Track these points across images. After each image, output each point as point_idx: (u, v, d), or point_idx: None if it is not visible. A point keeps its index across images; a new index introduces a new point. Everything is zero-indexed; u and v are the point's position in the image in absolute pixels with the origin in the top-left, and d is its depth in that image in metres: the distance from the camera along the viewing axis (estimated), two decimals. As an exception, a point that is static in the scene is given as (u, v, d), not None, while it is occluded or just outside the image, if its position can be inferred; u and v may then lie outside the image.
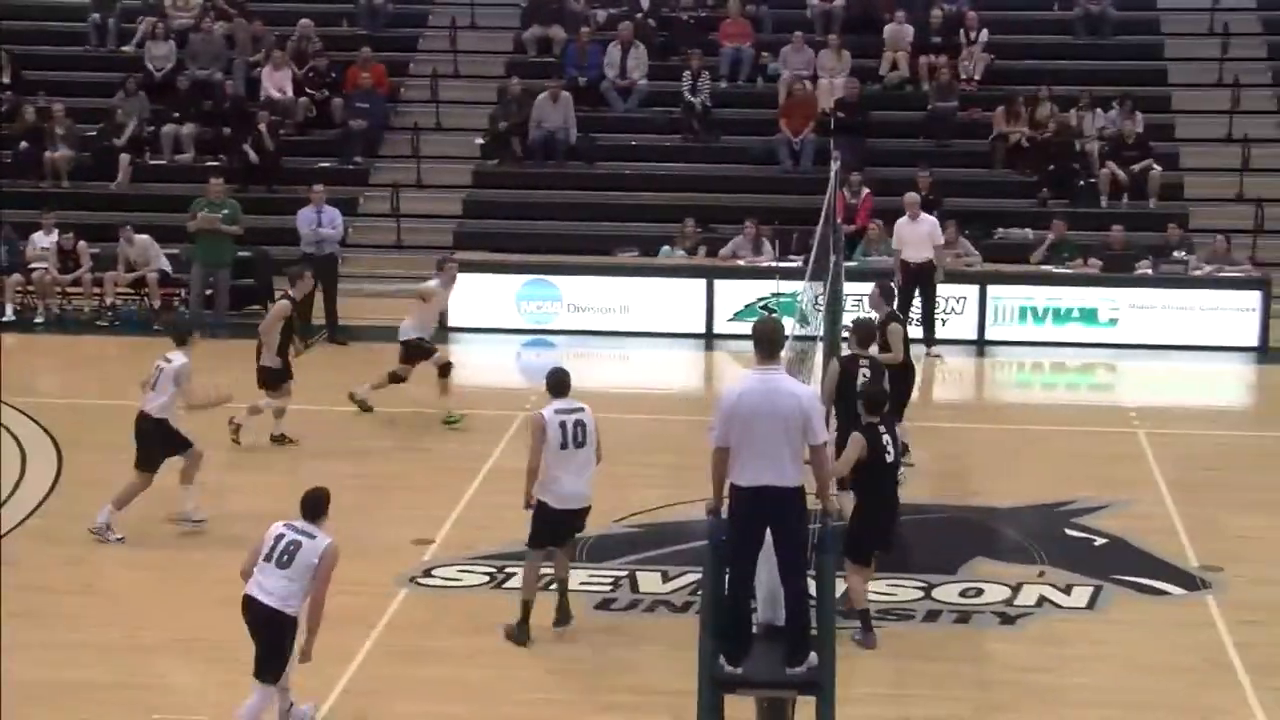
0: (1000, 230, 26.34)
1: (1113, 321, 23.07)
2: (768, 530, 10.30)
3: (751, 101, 29.20)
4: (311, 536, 11.33)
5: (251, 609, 11.35)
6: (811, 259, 18.38)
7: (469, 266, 24.00)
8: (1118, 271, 24.08)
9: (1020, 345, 23.63)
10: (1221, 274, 24.12)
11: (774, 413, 10.23)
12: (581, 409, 13.33)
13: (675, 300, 24.16)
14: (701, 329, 23.98)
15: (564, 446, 13.12)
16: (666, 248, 25.33)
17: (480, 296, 23.86)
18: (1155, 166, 26.96)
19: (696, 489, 13.89)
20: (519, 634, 13.31)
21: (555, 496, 13.22)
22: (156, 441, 15.52)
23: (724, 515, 10.40)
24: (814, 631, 10.33)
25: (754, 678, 10.31)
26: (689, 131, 28.55)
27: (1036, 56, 29.91)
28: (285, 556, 11.27)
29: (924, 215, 22.92)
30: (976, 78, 29.00)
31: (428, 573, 14.87)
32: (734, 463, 10.30)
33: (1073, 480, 17.68)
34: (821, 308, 19.33)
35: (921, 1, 30.07)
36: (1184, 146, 28.19)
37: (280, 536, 11.36)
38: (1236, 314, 23.57)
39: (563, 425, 13.16)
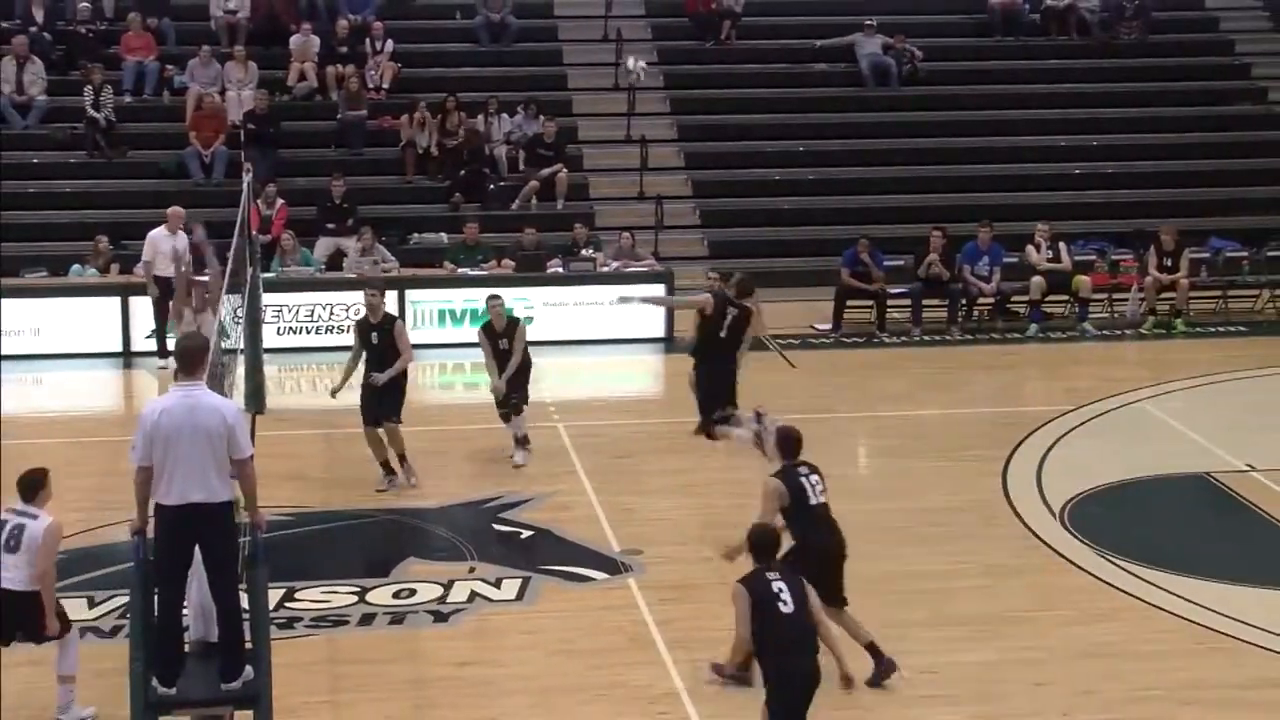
0: (416, 236, 26.81)
1: (529, 320, 23.72)
2: (196, 547, 10.26)
3: (159, 115, 28.71)
4: (34, 517, 11.85)
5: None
6: (228, 272, 18.33)
7: None
8: (531, 271, 24.80)
9: (442, 348, 24.03)
10: (628, 269, 25.19)
11: (197, 428, 10.20)
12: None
13: (90, 319, 23.51)
14: (119, 347, 23.44)
15: None
16: (77, 266, 24.60)
17: None
18: (563, 169, 27.89)
19: (122, 511, 13.64)
20: None
21: None
22: None
23: (150, 534, 10.30)
24: (249, 645, 10.36)
25: (189, 697, 10.27)
26: (94, 147, 27.80)
27: (443, 65, 30.51)
28: (12, 541, 11.73)
29: (181, 232, 22.52)
30: (385, 86, 29.34)
31: None
32: (158, 481, 10.21)
33: (498, 476, 18.15)
34: (241, 320, 19.30)
35: (327, 12, 30.22)
36: (587, 149, 29.28)
37: (4, 524, 11.82)
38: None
39: None
